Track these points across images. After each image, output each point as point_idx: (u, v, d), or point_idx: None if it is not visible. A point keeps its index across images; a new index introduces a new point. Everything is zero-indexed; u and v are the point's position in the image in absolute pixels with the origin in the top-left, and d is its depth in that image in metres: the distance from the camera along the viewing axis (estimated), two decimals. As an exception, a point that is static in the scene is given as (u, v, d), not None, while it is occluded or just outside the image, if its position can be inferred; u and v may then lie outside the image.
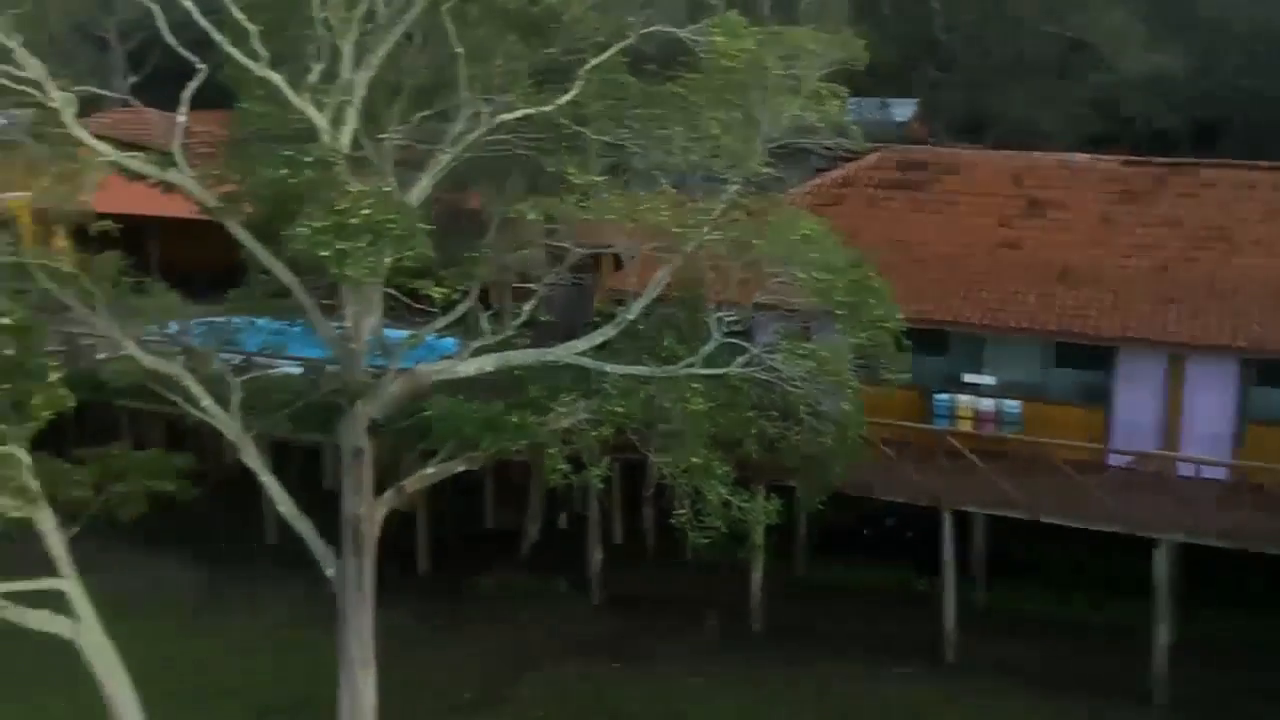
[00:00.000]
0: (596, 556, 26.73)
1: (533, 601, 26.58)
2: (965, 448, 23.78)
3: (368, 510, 19.47)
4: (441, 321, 19.85)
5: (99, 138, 18.32)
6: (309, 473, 27.87)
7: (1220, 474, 23.83)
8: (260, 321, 24.22)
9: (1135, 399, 24.83)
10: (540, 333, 20.91)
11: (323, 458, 28.69)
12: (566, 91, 19.16)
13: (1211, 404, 24.29)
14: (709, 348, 19.14)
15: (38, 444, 15.97)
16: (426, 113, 19.90)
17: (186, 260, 31.46)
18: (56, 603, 16.90)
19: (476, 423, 18.99)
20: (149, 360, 19.26)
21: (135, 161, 18.37)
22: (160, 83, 19.71)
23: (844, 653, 24.17)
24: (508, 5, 19.62)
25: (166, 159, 18.67)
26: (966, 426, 25.27)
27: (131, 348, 19.20)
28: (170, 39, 18.51)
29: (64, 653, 17.41)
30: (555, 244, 20.69)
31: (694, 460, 18.49)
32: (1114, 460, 24.56)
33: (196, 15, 18.17)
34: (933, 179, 29.16)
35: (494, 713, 22.78)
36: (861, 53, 19.73)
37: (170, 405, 20.07)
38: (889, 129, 39.25)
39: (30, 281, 18.36)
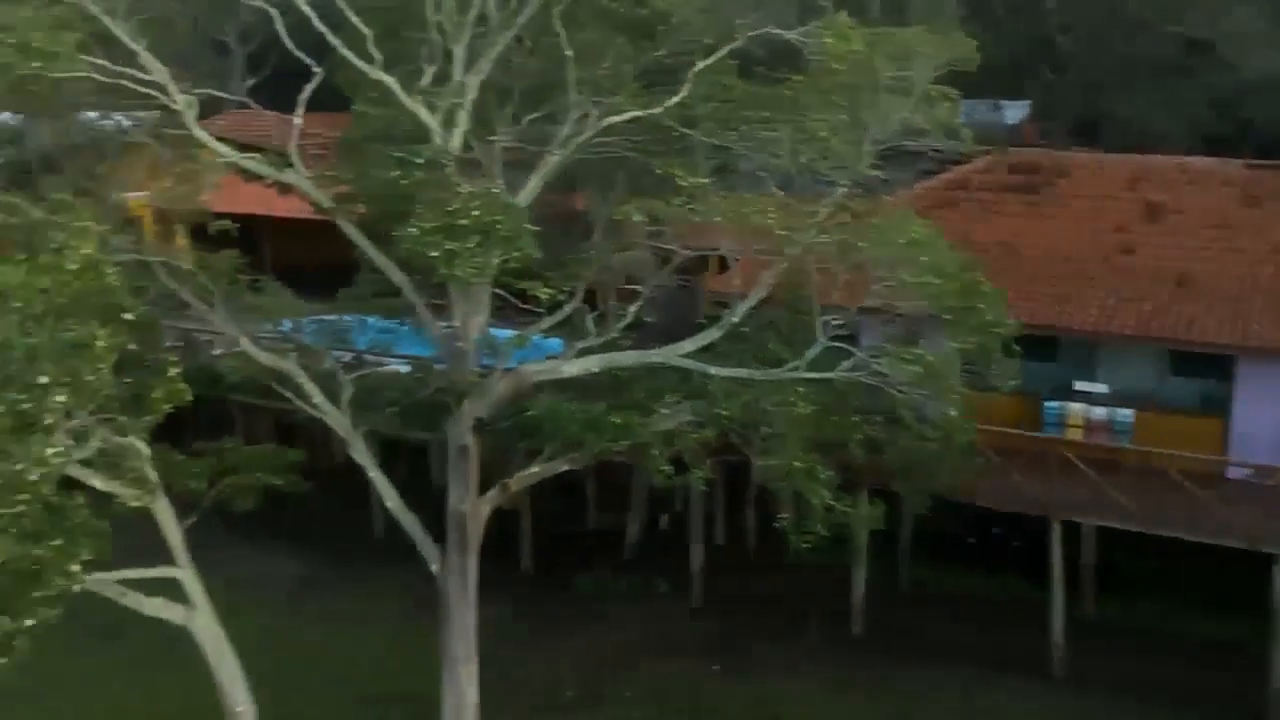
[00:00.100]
0: (697, 558, 26.71)
1: (633, 602, 26.65)
2: (1076, 457, 23.30)
3: (472, 508, 19.70)
4: (547, 322, 20.01)
5: (218, 139, 18.80)
6: (416, 470, 28.27)
7: (1344, 488, 23.03)
8: (370, 320, 24.65)
9: (1254, 410, 24.07)
10: (644, 334, 20.96)
11: (429, 455, 29.08)
12: (674, 93, 19.17)
13: (1335, 416, 23.52)
14: (814, 351, 19.00)
15: (156, 436, 16.42)
16: (535, 115, 20.07)
17: (299, 259, 32.12)
18: (171, 590, 17.38)
19: (580, 423, 19.08)
20: (263, 356, 19.71)
21: (253, 162, 18.81)
22: (277, 85, 20.15)
23: (947, 662, 23.83)
24: (617, 8, 19.71)
25: (283, 160, 19.08)
26: (1077, 435, 24.74)
27: (247, 344, 19.68)
28: (288, 42, 18.91)
29: (177, 639, 17.90)
30: (661, 246, 20.72)
31: (797, 464, 18.36)
32: (1232, 473, 23.86)
33: (314, 19, 18.56)
34: (1046, 182, 28.61)
35: (594, 712, 22.90)
36: (973, 53, 19.42)
37: (282, 401, 20.53)
38: (1000, 131, 38.59)
39: (151, 279, 18.93)
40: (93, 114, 22.73)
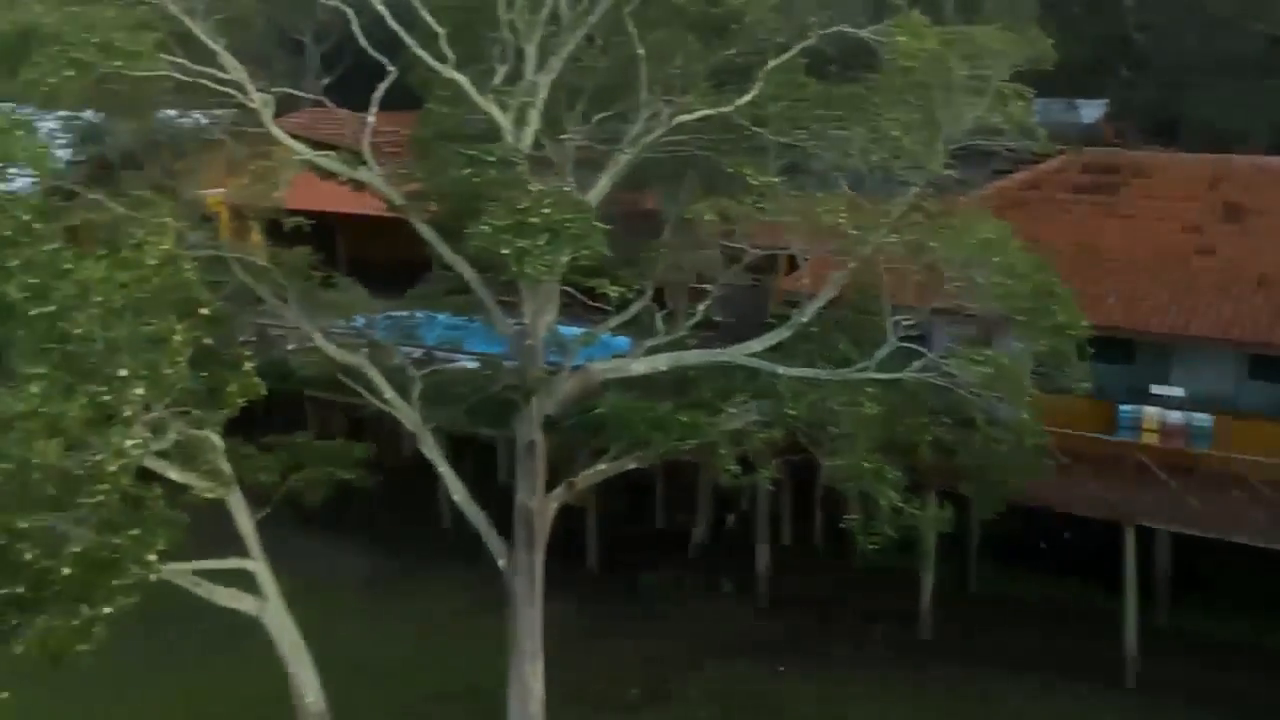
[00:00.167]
0: (763, 558, 26.63)
1: (699, 601, 26.63)
2: (1152, 462, 22.91)
3: (540, 504, 19.79)
4: (616, 320, 20.04)
5: (293, 137, 19.05)
6: (484, 466, 28.46)
7: None
8: (440, 316, 24.84)
9: (1337, 415, 23.57)
10: (714, 333, 20.91)
11: (497, 452, 29.25)
12: (745, 92, 19.13)
13: None
14: (883, 351, 18.86)
15: (229, 430, 16.68)
16: (606, 113, 20.11)
17: (371, 255, 32.44)
18: (243, 581, 17.64)
19: (647, 421, 19.10)
20: (335, 352, 19.95)
21: (328, 160, 19.03)
22: (350, 83, 20.39)
23: (1015, 667, 23.55)
24: (689, 6, 19.69)
25: (357, 158, 19.29)
26: (1152, 440, 24.31)
27: (319, 339, 19.92)
28: (363, 41, 19.11)
29: (247, 629, 18.16)
30: (730, 245, 20.67)
31: (865, 465, 18.23)
32: (1313, 479, 23.33)
33: (388, 19, 18.73)
34: (1122, 182, 28.16)
35: (658, 711, 22.91)
36: (1049, 52, 19.20)
37: (353, 396, 20.75)
38: (1076, 130, 37.96)
39: (227, 274, 19.22)
40: (172, 112, 23.11)
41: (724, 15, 20.01)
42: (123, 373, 12.95)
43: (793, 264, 25.71)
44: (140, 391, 13.18)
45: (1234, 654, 23.52)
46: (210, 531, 17.12)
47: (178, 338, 13.53)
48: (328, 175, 20.11)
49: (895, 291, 19.88)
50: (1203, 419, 24.24)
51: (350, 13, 19.11)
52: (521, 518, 19.89)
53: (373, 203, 21.65)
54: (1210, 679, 22.86)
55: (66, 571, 12.98)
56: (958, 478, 21.59)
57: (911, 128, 18.39)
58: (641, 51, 18.83)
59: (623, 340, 22.23)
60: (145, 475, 14.68)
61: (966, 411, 19.50)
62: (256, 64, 19.01)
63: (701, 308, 20.06)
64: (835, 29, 19.49)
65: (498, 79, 18.66)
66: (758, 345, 19.28)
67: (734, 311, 24.82)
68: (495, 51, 18.85)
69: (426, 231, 19.71)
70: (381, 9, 18.71)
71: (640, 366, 19.68)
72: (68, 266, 13.15)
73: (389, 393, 19.94)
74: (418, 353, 24.07)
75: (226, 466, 16.56)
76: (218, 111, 20.61)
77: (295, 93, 20.22)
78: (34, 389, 12.37)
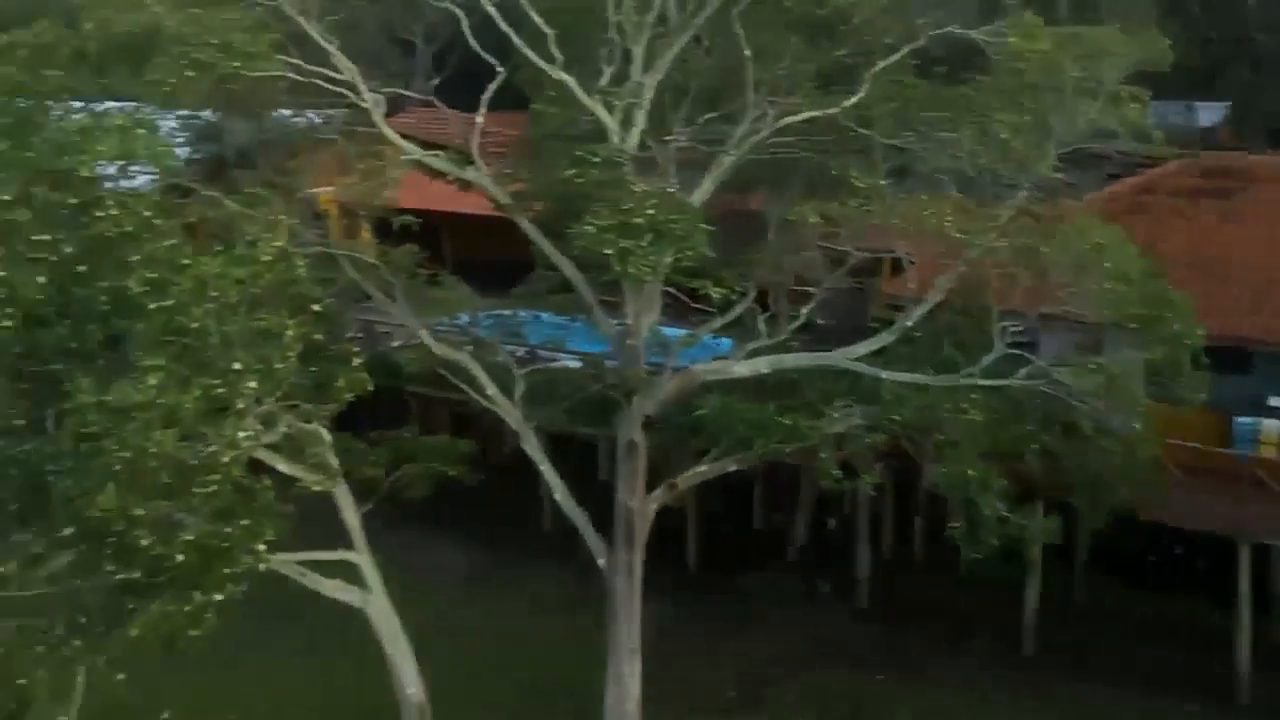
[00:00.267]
0: (864, 563, 26.40)
1: (797, 604, 26.48)
2: (1269, 477, 22.23)
3: (640, 504, 19.84)
4: (718, 321, 20.01)
5: (402, 137, 19.35)
6: (584, 465, 28.61)
7: None
8: (543, 315, 25.02)
9: None
10: (816, 336, 20.79)
11: (598, 451, 29.39)
12: (852, 93, 18.98)
13: None
14: (990, 358, 18.57)
15: (337, 424, 16.97)
16: (711, 114, 20.10)
17: (476, 254, 32.78)
18: (346, 573, 17.92)
19: (749, 423, 19.04)
20: (440, 349, 20.20)
21: (437, 160, 19.29)
22: (457, 84, 20.68)
23: (1121, 684, 23.02)
24: (796, 7, 19.59)
25: (464, 157, 19.52)
26: (1271, 453, 23.57)
27: (425, 336, 20.20)
28: (472, 42, 19.34)
29: (350, 621, 18.45)
30: (834, 247, 20.52)
31: (970, 472, 17.97)
32: None
33: (498, 19, 18.94)
34: (1240, 187, 27.35)
35: (754, 714, 22.83)
36: (1165, 53, 18.76)
37: (456, 393, 20.98)
38: (1193, 134, 37.11)
39: (336, 271, 19.58)
40: (285, 111, 23.61)
41: (832, 16, 19.88)
42: (236, 366, 13.26)
43: (897, 267, 25.44)
44: (253, 385, 13.47)
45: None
46: (316, 524, 17.43)
47: (289, 333, 13.82)
48: (435, 175, 20.39)
49: (1002, 297, 19.58)
50: (1324, 433, 23.51)
51: (460, 14, 19.34)
52: (621, 517, 19.96)
53: (478, 202, 21.90)
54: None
55: (180, 558, 13.31)
56: (1065, 488, 21.15)
57: (1022, 130, 18.10)
58: (748, 52, 18.79)
59: (725, 342, 22.19)
60: (255, 467, 15.02)
61: (1075, 421, 19.13)
62: (368, 64, 19.33)
63: (804, 310, 19.94)
64: (945, 30, 19.25)
65: (604, 80, 18.75)
66: (861, 349, 19.12)
67: (836, 314, 24.67)
68: (603, 53, 18.93)
69: (531, 231, 19.88)
70: (491, 10, 18.92)
71: (742, 368, 19.62)
72: (185, 262, 13.48)
73: (492, 390, 20.13)
74: (521, 351, 24.29)
75: (333, 460, 16.85)
76: (330, 111, 21.00)
77: (405, 93, 20.52)
78: (152, 380, 12.70)
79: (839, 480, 19.16)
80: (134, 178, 15.76)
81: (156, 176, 17.14)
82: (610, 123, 18.58)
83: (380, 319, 23.19)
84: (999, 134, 18.15)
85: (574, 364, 24.37)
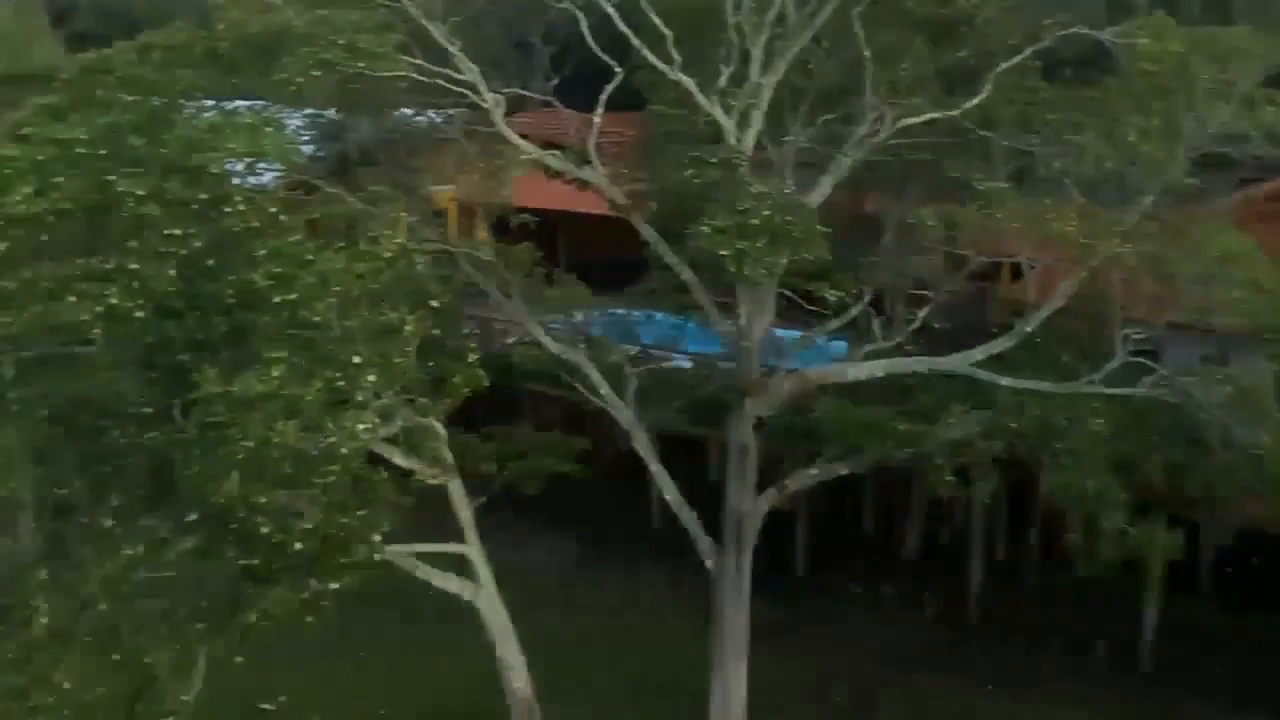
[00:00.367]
0: (976, 573, 25.98)
1: (906, 612, 26.18)
2: None
3: (750, 506, 19.76)
4: (833, 324, 19.85)
5: (521, 137, 19.53)
6: (693, 465, 28.59)
7: None
8: (657, 315, 25.08)
9: None
10: (932, 340, 20.51)
11: (707, 451, 29.37)
12: (974, 95, 18.68)
13: None
14: (1112, 366, 18.14)
15: (452, 419, 17.17)
16: (830, 115, 19.95)
17: (591, 254, 32.98)
18: (456, 566, 18.12)
19: (862, 427, 18.87)
20: (555, 347, 20.34)
21: (555, 159, 19.44)
22: (574, 84, 20.80)
23: (1242, 707, 22.32)
24: (918, 9, 19.35)
25: (581, 157, 19.63)
26: (1407, 470, 22.63)
27: (540, 334, 20.36)
28: (591, 43, 19.45)
29: (460, 614, 18.65)
30: (953, 251, 20.23)
31: (1089, 483, 17.57)
32: None
33: (616, 20, 19.02)
34: (1380, 194, 26.35)
35: (861, 721, 22.67)
36: (1302, 54, 18.12)
37: (569, 391, 21.12)
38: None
39: (454, 268, 19.84)
40: (407, 110, 24.02)
41: (955, 16, 19.59)
42: (357, 360, 13.50)
43: (1016, 272, 24.99)
44: (372, 378, 13.71)
45: None
46: (428, 516, 17.67)
47: (408, 328, 14.03)
48: (552, 174, 20.55)
49: (1127, 304, 19.13)
50: None
51: (580, 15, 19.46)
52: (731, 519, 19.90)
53: (593, 201, 22.02)
54: None
55: (298, 546, 13.61)
56: (1189, 502, 20.58)
57: (1150, 133, 17.63)
58: (868, 53, 18.60)
59: (840, 345, 22.01)
60: (373, 459, 15.28)
61: (1200, 433, 18.59)
62: (488, 64, 19.55)
63: (921, 314, 19.69)
64: (1071, 30, 18.85)
65: (722, 81, 18.71)
66: (979, 354, 18.80)
67: (954, 319, 24.29)
68: (721, 53, 18.89)
69: (647, 231, 19.91)
70: (610, 11, 19.00)
71: (857, 372, 19.44)
72: (309, 257, 13.76)
73: (604, 389, 20.22)
74: (634, 350, 24.37)
75: (448, 454, 17.04)
76: (450, 111, 21.29)
77: (525, 93, 20.71)
78: (275, 372, 12.99)
79: (954, 488, 18.87)
80: (261, 175, 16.15)
81: (282, 173, 17.55)
82: (727, 123, 18.54)
83: (496, 316, 23.43)
84: (1126, 137, 17.73)
85: (686, 364, 24.38)
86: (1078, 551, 17.96)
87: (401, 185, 20.27)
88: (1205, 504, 20.42)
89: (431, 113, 22.67)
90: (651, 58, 18.84)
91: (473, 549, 17.99)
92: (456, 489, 17.62)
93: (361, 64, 16.91)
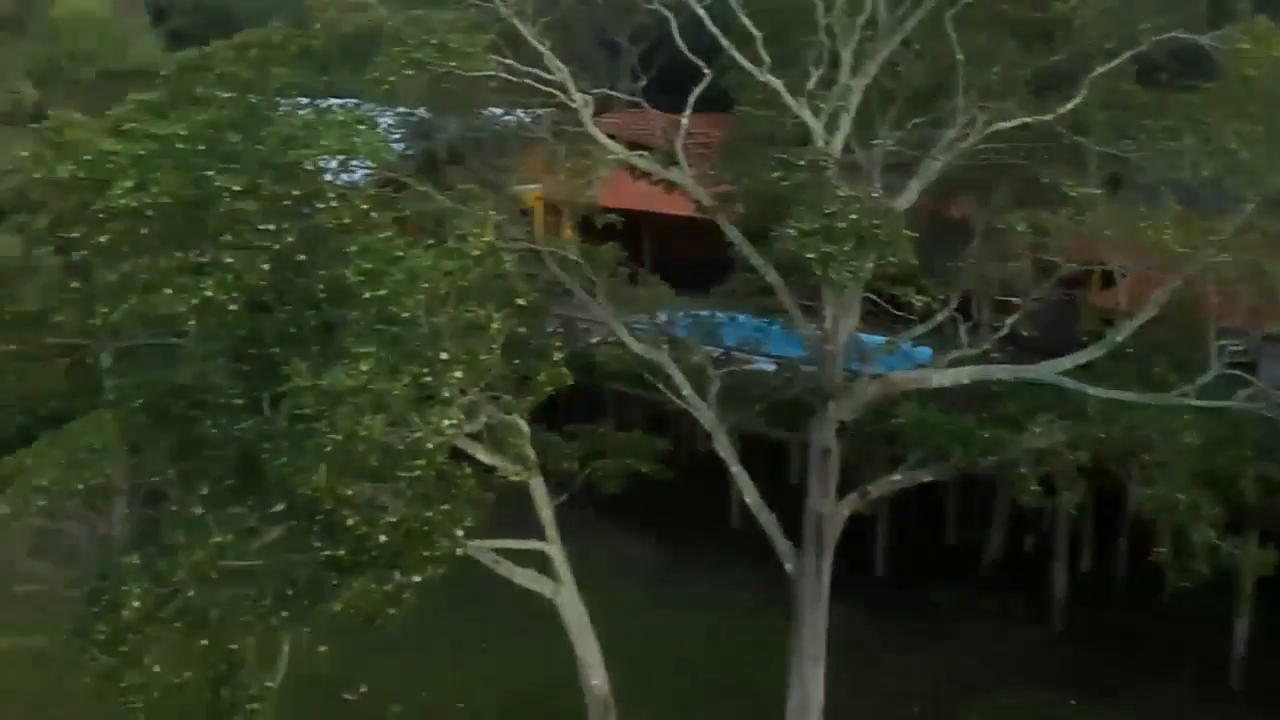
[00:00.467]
0: (1060, 583, 25.59)
1: (989, 622, 25.84)
2: None
3: (831, 510, 19.65)
4: (919, 329, 19.67)
5: (608, 137, 19.60)
6: (774, 467, 28.49)
7: None
8: (741, 317, 25.01)
9: None
10: (1019, 348, 20.23)
11: (788, 453, 29.23)
12: (1067, 99, 18.39)
13: None
14: (1206, 377, 17.75)
15: (534, 416, 17.29)
16: (919, 119, 19.76)
17: (675, 254, 32.98)
18: (535, 563, 18.24)
19: (947, 434, 18.65)
20: (638, 347, 20.38)
21: (643, 160, 19.48)
22: (660, 85, 20.82)
23: (1339, 727, 21.80)
24: (1013, 11, 19.10)
25: (668, 158, 19.66)
26: None
27: (623, 334, 20.41)
28: (681, 45, 19.45)
29: (539, 611, 18.77)
30: (1043, 257, 19.92)
31: (1180, 496, 17.21)
32: None
33: (707, 21, 19.00)
34: None
35: (941, 731, 22.42)
36: None
37: (651, 391, 21.14)
38: None
39: (540, 267, 19.96)
40: (496, 110, 24.19)
41: (1049, 20, 19.30)
42: (444, 356, 13.66)
43: (1107, 280, 24.56)
44: (458, 375, 13.86)
45: None
46: (509, 513, 17.80)
47: (495, 326, 14.16)
48: (639, 174, 20.58)
49: (1222, 314, 18.71)
50: None
51: (670, 16, 19.47)
52: (811, 522, 19.80)
53: (678, 202, 22.01)
54: None
55: (383, 539, 13.83)
56: (1283, 518, 20.12)
57: (1251, 140, 17.22)
58: (960, 56, 18.40)
59: (924, 350, 21.80)
60: (456, 455, 15.44)
61: (1297, 447, 18.15)
62: (577, 65, 19.63)
63: (1009, 321, 19.42)
64: (1169, 34, 18.48)
65: (811, 82, 18.61)
66: (1068, 362, 18.51)
67: (1042, 327, 23.95)
68: (810, 55, 18.79)
69: (733, 233, 19.87)
70: (700, 12, 18.99)
71: (942, 378, 19.23)
72: (399, 254, 13.94)
73: (687, 390, 20.22)
74: (717, 352, 24.34)
75: (531, 451, 17.16)
76: (538, 110, 21.41)
77: (613, 94, 20.77)
78: (364, 367, 13.18)
79: (1039, 497, 18.60)
80: (353, 172, 16.40)
81: (372, 171, 17.79)
82: (815, 126, 18.44)
83: (580, 315, 23.53)
84: (1225, 144, 17.33)
85: (769, 367, 24.28)
86: (1167, 564, 17.60)
87: (489, 184, 20.43)
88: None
89: (520, 112, 22.80)
90: (741, 58, 18.79)
91: (553, 546, 18.10)
92: (538, 486, 17.73)
93: (452, 63, 17.08)
